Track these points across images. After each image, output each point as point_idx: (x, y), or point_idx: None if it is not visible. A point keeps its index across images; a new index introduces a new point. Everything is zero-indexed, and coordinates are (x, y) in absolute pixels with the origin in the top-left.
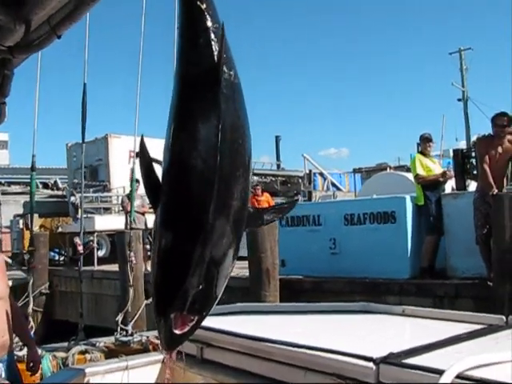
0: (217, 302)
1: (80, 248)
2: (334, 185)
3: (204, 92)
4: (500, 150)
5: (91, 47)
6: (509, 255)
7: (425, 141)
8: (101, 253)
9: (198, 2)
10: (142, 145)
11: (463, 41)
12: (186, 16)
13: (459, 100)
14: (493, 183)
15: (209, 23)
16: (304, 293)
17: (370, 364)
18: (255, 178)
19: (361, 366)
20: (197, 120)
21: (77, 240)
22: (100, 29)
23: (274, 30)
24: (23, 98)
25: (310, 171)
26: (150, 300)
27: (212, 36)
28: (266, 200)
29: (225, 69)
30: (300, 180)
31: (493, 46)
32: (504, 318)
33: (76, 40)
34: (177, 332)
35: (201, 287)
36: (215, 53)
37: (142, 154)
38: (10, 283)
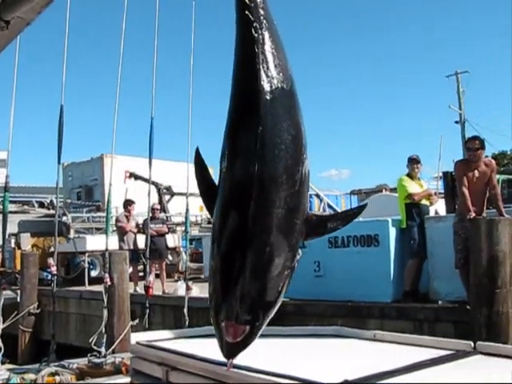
0: (270, 314)
1: (53, 269)
2: (330, 206)
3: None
4: (477, 173)
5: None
6: (485, 279)
7: (412, 162)
8: (94, 273)
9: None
10: (198, 154)
11: (460, 64)
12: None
13: (456, 122)
14: (471, 207)
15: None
16: (287, 316)
17: None
18: None
19: None
20: (241, 129)
21: (50, 261)
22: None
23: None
24: (22, 115)
25: None
26: (136, 321)
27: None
28: None
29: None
30: None
31: (489, 69)
32: (472, 343)
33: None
34: (228, 340)
35: (248, 297)
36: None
37: (198, 162)
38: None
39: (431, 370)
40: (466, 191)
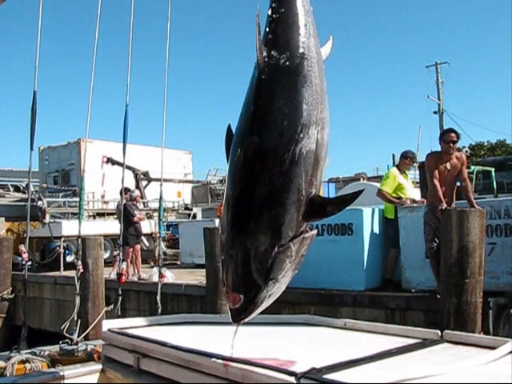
0: (265, 287)
1: (25, 256)
2: None
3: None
4: (448, 166)
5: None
6: (455, 269)
7: (408, 159)
8: (70, 258)
9: None
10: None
11: (440, 55)
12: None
13: (435, 113)
14: (442, 198)
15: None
16: None
17: (292, 379)
18: None
19: (283, 380)
20: (245, 106)
21: (22, 247)
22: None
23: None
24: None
25: None
26: (111, 307)
27: None
28: None
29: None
30: None
31: (469, 61)
32: (439, 332)
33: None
34: (229, 306)
35: (239, 270)
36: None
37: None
38: None
39: (397, 359)
40: (438, 183)
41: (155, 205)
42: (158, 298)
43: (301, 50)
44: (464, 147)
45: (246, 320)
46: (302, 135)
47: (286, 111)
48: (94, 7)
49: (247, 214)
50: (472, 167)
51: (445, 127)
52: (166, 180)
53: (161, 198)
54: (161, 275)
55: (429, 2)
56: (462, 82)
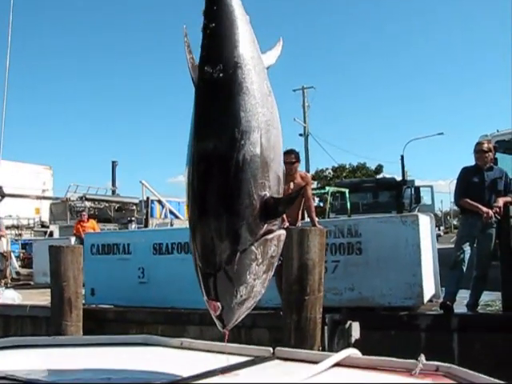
0: (238, 293)
1: None
2: (172, 213)
3: None
4: (292, 185)
5: None
6: (295, 286)
7: None
8: None
9: None
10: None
11: (307, 79)
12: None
13: (301, 135)
14: (285, 217)
15: None
16: (108, 323)
17: None
18: (87, 203)
19: None
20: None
21: None
22: None
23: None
24: None
25: (148, 198)
26: None
27: None
28: (91, 226)
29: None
30: (135, 207)
31: (333, 86)
32: (271, 349)
33: None
34: (213, 315)
35: (211, 277)
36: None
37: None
38: None
39: (224, 377)
40: None
41: (8, 222)
42: None
43: (234, 60)
44: (327, 169)
45: (231, 325)
46: (243, 142)
47: (225, 121)
48: None
49: (205, 224)
50: (327, 188)
51: (310, 149)
52: (22, 196)
53: None
54: None
55: (297, 31)
56: (326, 106)
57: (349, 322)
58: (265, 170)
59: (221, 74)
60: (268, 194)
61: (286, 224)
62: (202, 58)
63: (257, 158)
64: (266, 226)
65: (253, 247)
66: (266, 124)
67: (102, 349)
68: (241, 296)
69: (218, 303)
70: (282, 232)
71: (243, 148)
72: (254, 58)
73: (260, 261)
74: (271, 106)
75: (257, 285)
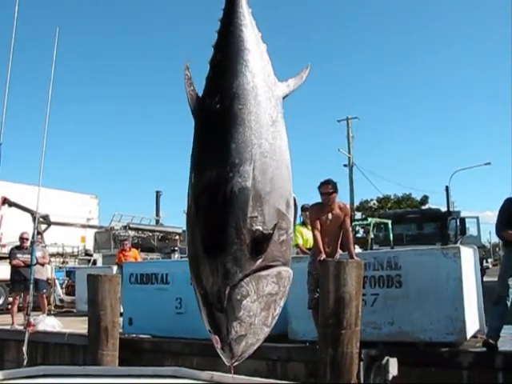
0: (232, 329)
1: None
2: None
3: None
4: (330, 216)
5: None
6: (332, 320)
7: (306, 211)
8: None
9: None
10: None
11: (351, 110)
12: None
13: (345, 165)
14: (322, 249)
15: None
16: (144, 353)
17: None
18: (131, 232)
19: None
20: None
21: None
22: None
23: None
24: None
25: None
26: None
27: None
28: (133, 255)
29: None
30: (178, 236)
31: (378, 117)
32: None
33: None
34: (217, 347)
35: (207, 311)
36: None
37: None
38: None
39: None
40: (318, 234)
41: (53, 249)
42: (25, 348)
43: (232, 91)
44: (372, 200)
45: (235, 359)
46: (231, 174)
47: (215, 153)
48: None
49: (198, 257)
50: (369, 219)
51: (354, 180)
52: (66, 224)
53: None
54: (28, 324)
55: (339, 64)
56: (371, 137)
57: (386, 358)
58: (257, 203)
59: (217, 106)
60: (261, 229)
61: (323, 256)
62: (204, 89)
63: (246, 191)
64: (259, 261)
65: (243, 283)
66: (261, 156)
67: (131, 380)
68: (236, 332)
69: (217, 337)
70: (284, 269)
71: (231, 181)
72: (256, 88)
73: (254, 298)
74: (273, 137)
75: (255, 322)
